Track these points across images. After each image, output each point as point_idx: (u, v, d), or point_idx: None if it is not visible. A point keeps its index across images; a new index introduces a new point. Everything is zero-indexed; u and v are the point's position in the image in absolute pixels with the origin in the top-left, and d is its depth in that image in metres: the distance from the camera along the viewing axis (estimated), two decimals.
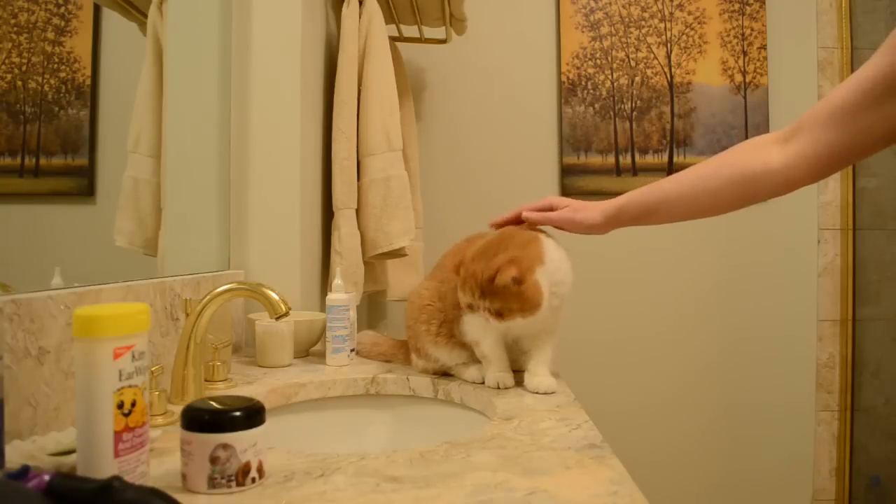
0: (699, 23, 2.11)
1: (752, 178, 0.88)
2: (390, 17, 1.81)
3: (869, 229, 2.15)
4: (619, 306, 2.12)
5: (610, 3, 2.10)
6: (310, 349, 1.30)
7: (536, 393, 0.97)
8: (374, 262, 1.69)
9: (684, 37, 2.11)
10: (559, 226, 1.07)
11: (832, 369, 2.13)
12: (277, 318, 0.91)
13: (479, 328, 0.99)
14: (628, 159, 2.10)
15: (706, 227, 2.12)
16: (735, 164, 0.91)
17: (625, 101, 2.10)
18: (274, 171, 1.37)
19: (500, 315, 0.92)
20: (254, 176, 1.37)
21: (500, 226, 1.09)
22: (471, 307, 0.96)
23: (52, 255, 0.84)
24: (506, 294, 0.90)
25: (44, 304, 0.74)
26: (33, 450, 0.63)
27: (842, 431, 2.12)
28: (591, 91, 2.10)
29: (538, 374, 0.99)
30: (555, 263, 0.96)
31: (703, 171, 0.94)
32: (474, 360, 1.05)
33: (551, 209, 1.07)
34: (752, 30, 2.11)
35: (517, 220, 1.09)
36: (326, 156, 1.58)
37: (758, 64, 2.11)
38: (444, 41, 1.91)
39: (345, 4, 1.55)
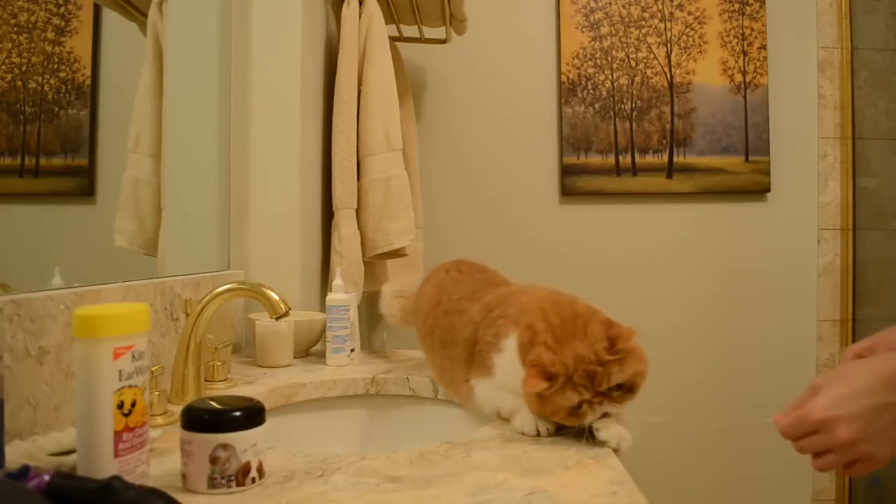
0: (699, 23, 2.11)
1: None
2: (390, 17, 1.81)
3: (869, 229, 2.15)
4: (618, 307, 2.11)
5: (610, 3, 2.10)
6: (310, 349, 1.30)
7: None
8: (374, 262, 1.69)
9: (684, 37, 2.11)
10: None
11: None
12: (277, 318, 0.91)
13: (496, 389, 0.83)
14: (628, 159, 2.10)
15: (706, 228, 2.12)
16: None
17: (625, 101, 2.10)
18: (274, 172, 1.37)
19: (631, 391, 0.75)
20: (254, 176, 1.36)
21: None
22: (578, 411, 0.73)
23: (52, 255, 0.84)
24: (631, 357, 0.74)
25: (44, 304, 0.74)
26: (33, 450, 0.63)
27: None
28: (591, 91, 2.10)
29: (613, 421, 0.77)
30: None
31: None
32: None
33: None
34: (752, 30, 2.11)
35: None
36: (326, 156, 1.58)
37: (758, 64, 2.11)
38: (444, 41, 1.91)
39: (345, 4, 1.55)
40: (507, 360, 0.80)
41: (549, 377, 0.72)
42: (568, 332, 0.74)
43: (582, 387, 0.72)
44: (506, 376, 0.81)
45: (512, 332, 0.80)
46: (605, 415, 0.74)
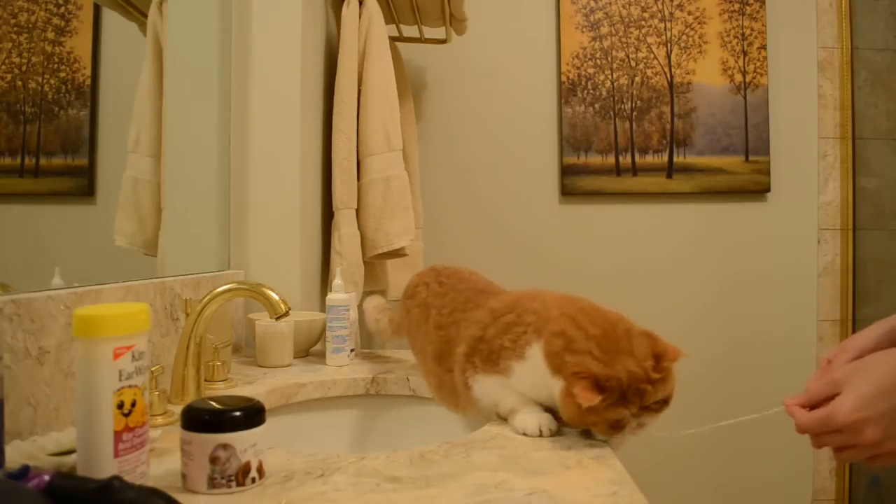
0: (699, 23, 2.11)
1: None
2: (390, 17, 1.81)
3: (869, 229, 2.15)
4: (618, 307, 2.11)
5: (610, 3, 2.10)
6: (310, 349, 1.30)
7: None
8: (374, 262, 1.69)
9: (684, 37, 2.11)
10: None
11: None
12: (277, 318, 0.91)
13: (498, 386, 0.82)
14: (628, 159, 2.10)
15: (706, 228, 2.12)
16: None
17: (625, 101, 2.10)
18: (274, 172, 1.37)
19: (666, 402, 0.77)
20: (254, 176, 1.36)
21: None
22: (620, 423, 0.74)
23: (52, 255, 0.84)
24: (669, 373, 0.76)
25: (44, 304, 0.74)
26: (33, 450, 0.63)
27: None
28: (591, 91, 2.10)
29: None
30: None
31: None
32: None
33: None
34: (752, 30, 2.11)
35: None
36: (326, 156, 1.58)
37: (758, 64, 2.11)
38: (444, 41, 1.91)
39: (345, 4, 1.55)
40: (530, 369, 0.78)
41: (602, 390, 0.71)
42: (613, 345, 0.74)
43: (632, 403, 0.73)
44: (524, 383, 0.80)
45: (535, 341, 0.78)
46: (640, 425, 0.75)
